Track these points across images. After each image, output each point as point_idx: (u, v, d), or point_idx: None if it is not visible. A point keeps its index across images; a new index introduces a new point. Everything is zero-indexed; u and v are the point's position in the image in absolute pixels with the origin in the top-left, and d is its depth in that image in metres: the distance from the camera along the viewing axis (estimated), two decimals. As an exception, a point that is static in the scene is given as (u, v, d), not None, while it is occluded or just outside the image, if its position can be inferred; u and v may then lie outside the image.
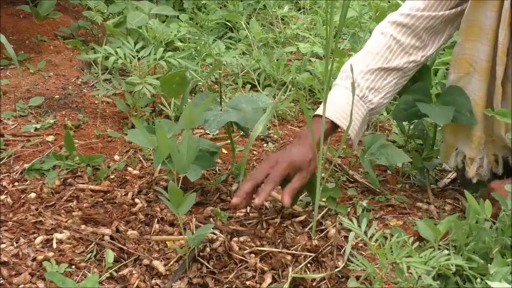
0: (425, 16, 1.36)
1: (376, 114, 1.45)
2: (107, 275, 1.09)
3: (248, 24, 2.62)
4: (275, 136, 1.81)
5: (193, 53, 2.19)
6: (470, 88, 1.35)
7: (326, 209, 1.36)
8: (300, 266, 1.12)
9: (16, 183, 1.40)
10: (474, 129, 1.37)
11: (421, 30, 1.37)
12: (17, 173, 1.44)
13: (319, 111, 1.34)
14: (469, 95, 1.35)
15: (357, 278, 1.10)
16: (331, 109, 1.32)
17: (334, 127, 1.35)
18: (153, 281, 1.08)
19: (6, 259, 1.11)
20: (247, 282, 1.08)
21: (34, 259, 1.12)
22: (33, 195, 1.35)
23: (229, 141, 1.65)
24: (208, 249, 1.14)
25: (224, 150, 1.69)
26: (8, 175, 1.43)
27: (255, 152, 1.70)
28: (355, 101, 1.31)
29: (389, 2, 2.64)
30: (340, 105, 1.33)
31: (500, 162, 1.40)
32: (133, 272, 1.10)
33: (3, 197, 1.33)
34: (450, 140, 1.44)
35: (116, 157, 1.57)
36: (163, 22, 2.48)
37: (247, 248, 1.16)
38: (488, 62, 1.30)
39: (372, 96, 1.37)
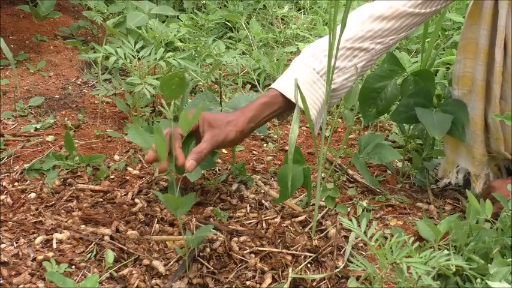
0: (406, 12, 1.30)
1: (337, 99, 1.34)
2: (107, 275, 1.09)
3: (248, 24, 2.62)
4: (275, 136, 1.81)
5: (193, 53, 2.19)
6: (471, 106, 1.35)
7: (326, 209, 1.36)
8: (300, 267, 1.12)
9: (16, 183, 1.40)
10: (475, 147, 1.37)
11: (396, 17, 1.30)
12: (17, 173, 1.44)
13: (275, 85, 1.27)
14: (470, 112, 1.35)
15: (357, 278, 1.10)
16: (281, 82, 1.26)
17: (290, 105, 1.26)
18: (153, 281, 1.08)
19: (6, 259, 1.11)
20: (247, 282, 1.08)
21: (34, 259, 1.12)
22: (33, 195, 1.35)
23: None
24: (208, 249, 1.14)
25: (224, 150, 1.69)
26: (8, 175, 1.43)
27: (255, 152, 1.70)
28: (315, 79, 1.25)
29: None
30: (300, 80, 1.18)
31: (503, 171, 1.42)
32: (133, 272, 1.10)
33: (3, 197, 1.33)
34: (451, 156, 1.45)
35: (116, 157, 1.57)
36: (163, 22, 2.48)
37: (247, 248, 1.16)
38: (483, 81, 1.29)
39: (335, 76, 1.27)
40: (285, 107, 1.28)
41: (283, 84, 1.26)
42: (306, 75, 1.25)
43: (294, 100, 1.16)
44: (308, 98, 1.23)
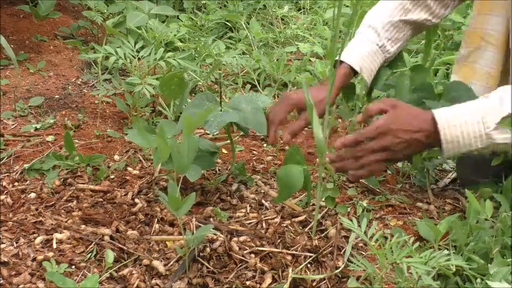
0: None
1: (389, 62, 1.54)
2: (107, 275, 1.09)
3: (248, 24, 2.62)
4: (275, 136, 1.81)
5: (193, 53, 2.19)
6: (482, 62, 1.37)
7: (326, 209, 1.36)
8: (300, 267, 1.12)
9: (16, 183, 1.40)
10: None
11: None
12: (17, 173, 1.44)
13: (343, 57, 1.45)
14: (481, 69, 1.36)
15: (357, 278, 1.10)
16: (353, 56, 1.43)
17: (354, 73, 1.46)
18: (153, 281, 1.08)
19: (6, 259, 1.11)
20: (247, 282, 1.08)
21: (34, 259, 1.12)
22: (33, 195, 1.35)
23: (229, 141, 1.65)
24: (208, 249, 1.14)
25: (224, 150, 1.69)
26: (8, 175, 1.43)
27: (255, 152, 1.70)
28: (374, 50, 1.45)
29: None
30: (362, 53, 1.44)
31: None
32: (133, 272, 1.10)
33: (3, 197, 1.33)
34: None
35: (116, 157, 1.57)
36: (163, 22, 2.48)
37: (247, 248, 1.16)
38: (503, 34, 1.31)
39: (390, 47, 1.47)
40: (354, 73, 1.48)
41: (354, 59, 1.44)
42: (370, 48, 1.46)
43: (364, 75, 1.43)
44: (369, 69, 1.45)
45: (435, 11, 1.49)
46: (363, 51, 1.44)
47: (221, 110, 1.38)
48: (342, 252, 1.19)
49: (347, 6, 2.52)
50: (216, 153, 1.42)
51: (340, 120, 1.95)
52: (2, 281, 1.06)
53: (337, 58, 1.36)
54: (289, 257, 1.14)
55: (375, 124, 1.22)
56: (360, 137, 1.24)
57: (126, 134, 1.31)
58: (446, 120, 1.18)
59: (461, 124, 1.17)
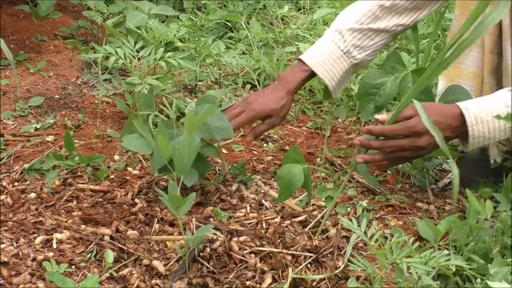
0: None
1: (361, 68, 1.58)
2: (107, 275, 1.09)
3: (248, 24, 2.62)
4: (275, 136, 1.81)
5: (193, 53, 2.19)
6: (468, 63, 1.38)
7: (326, 209, 1.35)
8: (300, 267, 1.12)
9: (16, 183, 1.40)
10: None
11: None
12: (17, 173, 1.44)
13: (303, 56, 1.47)
14: (467, 69, 1.37)
15: (357, 278, 1.10)
16: (312, 58, 1.45)
17: (312, 75, 1.47)
18: (153, 281, 1.08)
19: (6, 259, 1.11)
20: (247, 282, 1.08)
21: (34, 259, 1.12)
22: (33, 195, 1.35)
23: (229, 141, 1.65)
24: (208, 249, 1.14)
25: (224, 150, 1.69)
26: (8, 175, 1.43)
27: (255, 152, 1.70)
28: (337, 55, 1.45)
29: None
30: (323, 56, 1.45)
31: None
32: (133, 272, 1.10)
33: (3, 197, 1.33)
34: None
35: (116, 157, 1.57)
36: (163, 22, 2.48)
37: (247, 248, 1.16)
38: (487, 33, 1.31)
39: (356, 53, 1.46)
40: (313, 76, 1.49)
41: (314, 61, 1.46)
42: (331, 51, 1.46)
43: (322, 76, 1.44)
44: (331, 73, 1.45)
45: (406, 16, 1.46)
46: (324, 55, 1.45)
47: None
48: (342, 252, 1.19)
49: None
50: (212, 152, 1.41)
51: (339, 120, 1.95)
52: (2, 281, 1.06)
53: (300, 57, 1.45)
54: (289, 257, 1.14)
55: (408, 123, 1.22)
56: (388, 132, 1.24)
57: (122, 141, 1.30)
58: (475, 117, 1.20)
59: (489, 120, 1.20)
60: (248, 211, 1.33)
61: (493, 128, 1.20)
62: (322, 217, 1.33)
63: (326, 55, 1.45)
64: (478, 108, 1.21)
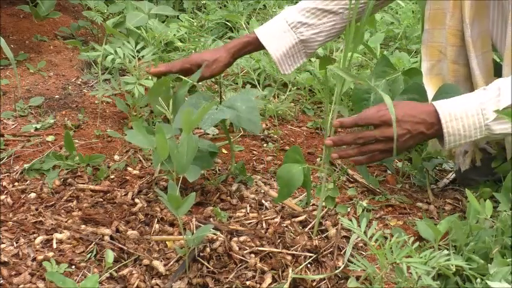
0: None
1: (313, 49, 1.56)
2: (107, 275, 1.09)
3: (248, 24, 2.61)
4: (275, 136, 1.81)
5: (193, 53, 2.19)
6: (444, 72, 1.39)
7: (326, 209, 1.35)
8: (300, 267, 1.12)
9: (16, 183, 1.40)
10: None
11: None
12: (17, 173, 1.44)
13: (257, 30, 1.55)
14: (444, 77, 1.39)
15: (357, 278, 1.10)
16: (262, 29, 1.54)
17: (257, 43, 1.54)
18: (153, 281, 1.09)
19: (6, 259, 1.11)
20: (247, 282, 1.08)
21: (34, 259, 1.12)
22: (33, 195, 1.35)
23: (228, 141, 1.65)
24: (208, 249, 1.14)
25: (224, 150, 1.69)
26: (8, 175, 1.43)
27: (255, 152, 1.70)
28: (285, 29, 1.52)
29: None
30: (272, 29, 1.53)
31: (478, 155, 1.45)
32: (133, 272, 1.10)
33: (3, 197, 1.33)
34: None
35: (116, 157, 1.57)
36: (163, 22, 2.48)
37: (247, 248, 1.16)
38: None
39: (304, 30, 1.51)
40: (260, 47, 1.56)
41: (262, 31, 1.54)
42: (280, 26, 1.53)
43: (265, 44, 1.52)
44: (276, 43, 1.52)
45: None
46: (273, 28, 1.53)
47: (217, 109, 1.38)
48: (342, 252, 1.19)
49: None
50: (215, 153, 1.42)
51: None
52: (2, 281, 1.06)
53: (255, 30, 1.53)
54: (289, 257, 1.14)
55: (378, 112, 1.22)
56: (359, 121, 1.24)
57: (126, 135, 1.31)
58: (449, 114, 1.20)
59: (463, 117, 1.20)
60: (248, 211, 1.33)
61: (467, 126, 1.20)
62: (322, 217, 1.33)
63: (274, 28, 1.53)
64: (452, 105, 1.21)
